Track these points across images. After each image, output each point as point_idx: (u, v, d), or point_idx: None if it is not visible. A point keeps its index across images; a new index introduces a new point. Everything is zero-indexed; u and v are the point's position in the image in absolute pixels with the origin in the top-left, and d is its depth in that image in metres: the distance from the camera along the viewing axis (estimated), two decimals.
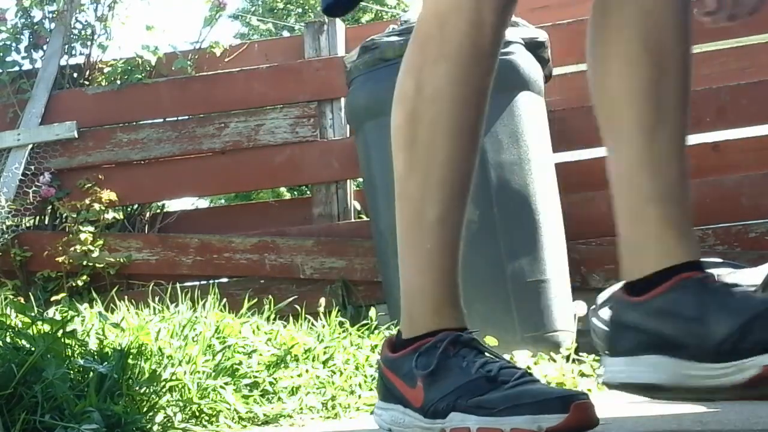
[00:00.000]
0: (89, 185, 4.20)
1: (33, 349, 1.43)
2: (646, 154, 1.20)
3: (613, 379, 1.19)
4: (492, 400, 1.17)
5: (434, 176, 1.27)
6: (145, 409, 1.57)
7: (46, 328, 1.52)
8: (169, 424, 1.61)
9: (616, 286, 1.28)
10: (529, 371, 1.50)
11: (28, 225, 4.32)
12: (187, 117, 4.31)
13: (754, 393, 1.05)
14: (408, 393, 1.29)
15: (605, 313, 1.23)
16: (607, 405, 1.75)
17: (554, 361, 2.94)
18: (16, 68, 4.48)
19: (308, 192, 4.55)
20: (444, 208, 1.28)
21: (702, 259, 1.20)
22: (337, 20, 4.36)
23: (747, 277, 1.74)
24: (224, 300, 2.30)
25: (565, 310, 3.17)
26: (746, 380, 1.03)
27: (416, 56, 1.29)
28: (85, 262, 4.03)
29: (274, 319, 2.34)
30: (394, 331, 1.60)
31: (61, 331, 1.50)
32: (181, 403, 1.67)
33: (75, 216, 4.12)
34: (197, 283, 4.07)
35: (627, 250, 1.22)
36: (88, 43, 4.52)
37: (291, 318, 2.47)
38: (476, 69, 1.25)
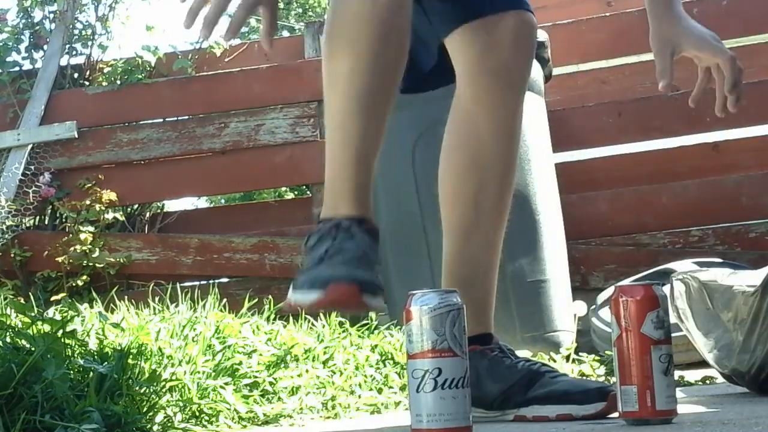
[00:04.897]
0: (89, 185, 4.20)
1: (33, 349, 1.43)
2: (464, 248, 1.63)
3: None
4: None
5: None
6: (145, 409, 1.57)
7: (46, 328, 1.52)
8: (169, 424, 1.61)
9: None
10: None
11: (28, 225, 4.32)
12: (187, 117, 4.31)
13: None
14: None
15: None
16: None
17: (554, 361, 2.94)
18: (17, 68, 4.48)
19: (308, 192, 4.54)
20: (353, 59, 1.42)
21: (492, 332, 1.63)
22: None
23: (747, 278, 1.74)
24: (224, 300, 2.29)
25: (565, 310, 3.17)
26: (511, 420, 1.57)
27: None
28: (85, 262, 4.03)
29: (274, 319, 2.33)
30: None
31: (61, 331, 1.50)
32: (181, 403, 1.67)
33: (75, 216, 4.13)
34: (197, 283, 4.07)
35: None
36: (89, 43, 4.52)
37: (291, 318, 2.47)
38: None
